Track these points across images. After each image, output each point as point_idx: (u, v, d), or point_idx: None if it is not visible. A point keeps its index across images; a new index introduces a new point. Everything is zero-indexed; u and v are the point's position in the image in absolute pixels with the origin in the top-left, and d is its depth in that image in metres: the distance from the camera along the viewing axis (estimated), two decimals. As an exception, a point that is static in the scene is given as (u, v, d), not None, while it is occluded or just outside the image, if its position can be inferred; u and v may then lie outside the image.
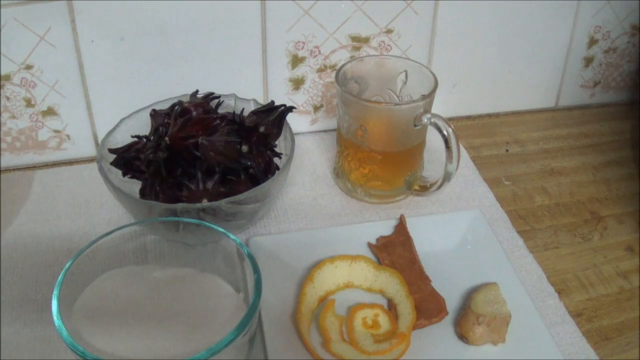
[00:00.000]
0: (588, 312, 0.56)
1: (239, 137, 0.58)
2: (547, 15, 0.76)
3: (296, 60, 0.71)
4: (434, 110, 0.62)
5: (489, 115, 0.83)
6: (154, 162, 0.56)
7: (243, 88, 0.68)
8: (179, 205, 0.52)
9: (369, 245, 0.60)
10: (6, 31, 0.61)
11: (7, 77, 0.64)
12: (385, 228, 0.61)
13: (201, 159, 0.56)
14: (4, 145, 0.68)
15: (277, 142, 0.62)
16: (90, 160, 0.71)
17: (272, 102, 0.61)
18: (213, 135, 0.57)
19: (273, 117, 0.59)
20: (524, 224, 0.65)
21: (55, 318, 0.42)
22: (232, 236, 0.49)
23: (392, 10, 0.71)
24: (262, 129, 0.59)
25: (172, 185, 0.56)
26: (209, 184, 0.55)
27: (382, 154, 0.63)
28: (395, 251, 0.58)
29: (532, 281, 0.58)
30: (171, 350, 0.44)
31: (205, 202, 0.54)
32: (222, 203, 0.53)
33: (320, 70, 0.73)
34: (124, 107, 0.63)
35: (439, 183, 0.63)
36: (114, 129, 0.61)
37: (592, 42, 0.80)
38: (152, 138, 0.59)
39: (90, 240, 0.47)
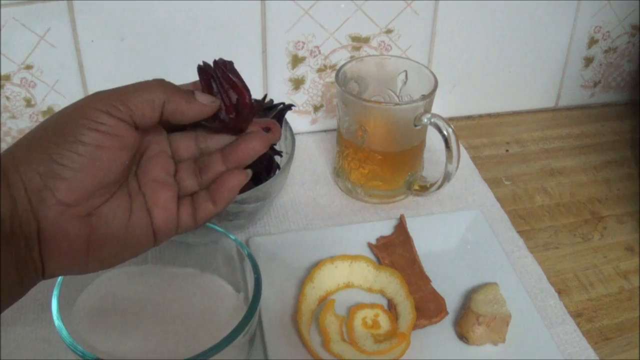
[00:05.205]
0: (588, 312, 0.56)
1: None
2: (547, 15, 0.76)
3: (296, 60, 0.71)
4: (434, 110, 0.62)
5: (489, 115, 0.83)
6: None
7: (243, 88, 0.68)
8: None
9: (369, 245, 0.60)
10: (6, 31, 0.61)
11: (7, 77, 0.64)
12: (385, 228, 0.61)
13: None
14: (4, 145, 0.68)
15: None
16: (90, 160, 0.71)
17: (271, 100, 0.61)
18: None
19: (272, 115, 0.59)
20: (524, 224, 0.65)
21: (55, 318, 0.42)
22: (232, 236, 0.49)
23: (392, 10, 0.71)
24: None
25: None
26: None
27: (382, 154, 0.63)
28: (395, 251, 0.58)
29: (532, 281, 0.58)
30: (171, 350, 0.44)
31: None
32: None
33: (320, 70, 0.73)
34: (124, 107, 0.63)
35: (439, 183, 0.63)
36: (114, 129, 0.61)
37: (592, 42, 0.80)
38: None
39: (90, 240, 0.47)
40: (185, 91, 0.39)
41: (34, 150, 0.34)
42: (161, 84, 0.38)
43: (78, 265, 0.37)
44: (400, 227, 0.61)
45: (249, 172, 0.41)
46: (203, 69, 0.41)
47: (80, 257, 0.36)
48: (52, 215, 0.34)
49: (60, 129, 0.35)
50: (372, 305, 0.53)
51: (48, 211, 0.34)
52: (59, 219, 0.35)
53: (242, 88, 0.40)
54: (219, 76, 0.41)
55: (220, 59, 0.41)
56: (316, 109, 0.76)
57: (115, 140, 0.35)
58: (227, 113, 0.40)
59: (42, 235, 0.35)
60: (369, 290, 0.56)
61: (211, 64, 0.41)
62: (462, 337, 0.51)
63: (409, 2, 0.70)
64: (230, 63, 0.41)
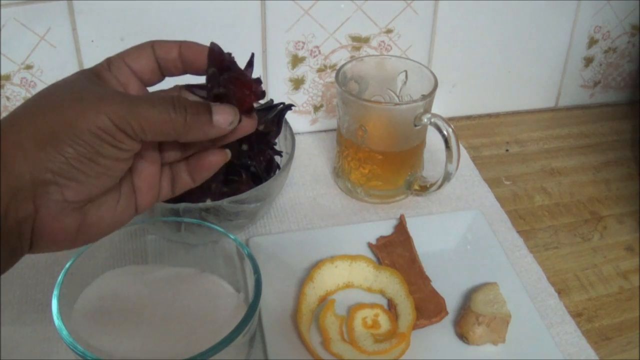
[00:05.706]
0: (588, 312, 0.56)
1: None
2: (547, 15, 0.76)
3: (296, 60, 0.71)
4: (434, 110, 0.62)
5: (489, 115, 0.83)
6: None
7: (243, 88, 0.68)
8: (182, 205, 0.52)
9: (369, 245, 0.60)
10: (6, 31, 0.61)
11: (7, 77, 0.64)
12: (385, 228, 0.61)
13: None
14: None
15: (277, 141, 0.62)
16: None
17: (271, 100, 0.61)
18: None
19: (272, 115, 0.59)
20: (524, 224, 0.65)
21: (55, 318, 0.42)
22: (232, 236, 0.49)
23: (392, 10, 0.71)
24: (261, 127, 0.59)
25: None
26: (212, 184, 0.55)
27: (382, 154, 0.63)
28: (395, 251, 0.58)
29: (532, 281, 0.58)
30: (171, 350, 0.44)
31: (208, 202, 0.54)
32: (225, 202, 0.53)
33: (320, 70, 0.73)
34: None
35: (439, 183, 0.63)
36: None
37: (592, 42, 0.80)
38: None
39: (91, 240, 0.47)
40: (203, 112, 0.39)
41: (49, 148, 0.35)
42: (182, 110, 0.38)
43: (65, 246, 0.38)
44: (400, 227, 0.61)
45: (228, 152, 0.43)
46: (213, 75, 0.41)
47: (69, 240, 0.38)
48: (53, 207, 0.36)
49: (76, 133, 0.35)
50: (372, 305, 0.53)
51: (50, 204, 0.35)
52: (58, 213, 0.36)
53: (252, 93, 0.41)
54: (229, 78, 0.41)
55: (228, 56, 0.41)
56: (316, 109, 0.76)
57: (128, 153, 0.38)
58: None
59: (37, 224, 0.36)
60: (369, 290, 0.56)
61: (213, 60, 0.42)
62: (462, 337, 0.51)
63: (409, 2, 0.70)
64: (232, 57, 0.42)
